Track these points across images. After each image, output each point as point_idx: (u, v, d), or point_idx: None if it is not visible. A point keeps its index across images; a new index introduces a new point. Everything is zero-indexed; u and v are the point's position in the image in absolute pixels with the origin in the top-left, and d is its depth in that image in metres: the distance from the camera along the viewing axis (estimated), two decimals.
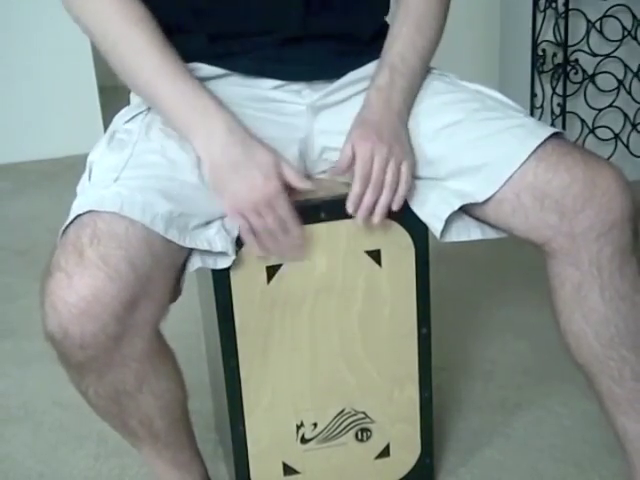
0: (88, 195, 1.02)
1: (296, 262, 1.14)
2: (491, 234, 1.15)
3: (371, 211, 1.11)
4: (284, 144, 1.13)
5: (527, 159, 1.06)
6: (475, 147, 1.10)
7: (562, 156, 1.06)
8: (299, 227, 1.09)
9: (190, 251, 1.06)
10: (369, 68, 1.19)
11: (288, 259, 1.13)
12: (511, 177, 1.06)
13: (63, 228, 1.00)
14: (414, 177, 1.14)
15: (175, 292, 1.08)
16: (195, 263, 1.06)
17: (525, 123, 1.11)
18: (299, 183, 1.08)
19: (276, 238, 1.08)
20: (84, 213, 0.98)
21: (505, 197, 1.08)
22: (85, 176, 1.09)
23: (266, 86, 1.19)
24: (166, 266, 1.01)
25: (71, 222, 0.99)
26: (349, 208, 1.10)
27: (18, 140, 3.24)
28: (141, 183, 1.02)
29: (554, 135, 1.08)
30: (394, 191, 1.10)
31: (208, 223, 1.07)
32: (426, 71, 1.21)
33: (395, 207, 1.11)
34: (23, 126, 3.23)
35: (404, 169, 1.11)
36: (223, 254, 1.08)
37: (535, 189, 1.05)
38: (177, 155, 1.08)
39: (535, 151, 1.06)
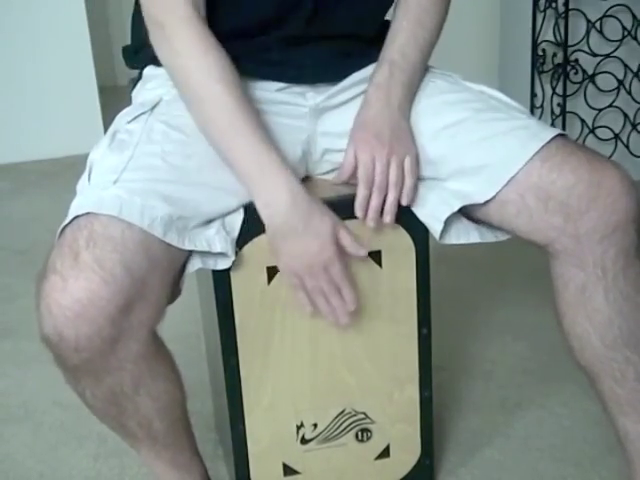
0: (87, 196, 1.02)
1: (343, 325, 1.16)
2: (489, 237, 1.15)
3: (380, 212, 1.11)
4: (287, 146, 1.13)
5: (531, 159, 1.05)
6: (477, 148, 1.10)
7: (566, 156, 1.05)
8: (352, 292, 1.11)
9: (190, 252, 1.05)
10: (371, 70, 1.19)
11: (337, 322, 1.13)
12: (515, 178, 1.06)
13: (61, 228, 1.00)
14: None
15: (175, 292, 1.08)
16: (195, 264, 1.06)
17: (528, 125, 1.10)
18: (355, 250, 1.09)
19: (328, 300, 1.10)
20: (82, 215, 0.98)
21: (509, 198, 1.07)
22: (85, 175, 1.09)
23: (270, 88, 1.18)
24: (163, 269, 1.01)
25: (69, 223, 0.99)
26: (357, 212, 1.11)
27: (18, 140, 3.24)
28: (141, 186, 1.02)
29: (558, 135, 1.08)
30: (400, 188, 1.11)
31: (208, 223, 1.07)
32: (425, 66, 1.20)
33: (405, 202, 1.12)
34: (23, 126, 3.23)
35: (407, 164, 1.11)
36: (223, 255, 1.07)
37: (539, 190, 1.05)
38: (178, 160, 1.08)
39: (539, 151, 1.06)
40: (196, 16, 1.07)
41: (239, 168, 1.06)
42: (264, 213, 1.06)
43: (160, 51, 1.09)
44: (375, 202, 1.11)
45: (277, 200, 1.04)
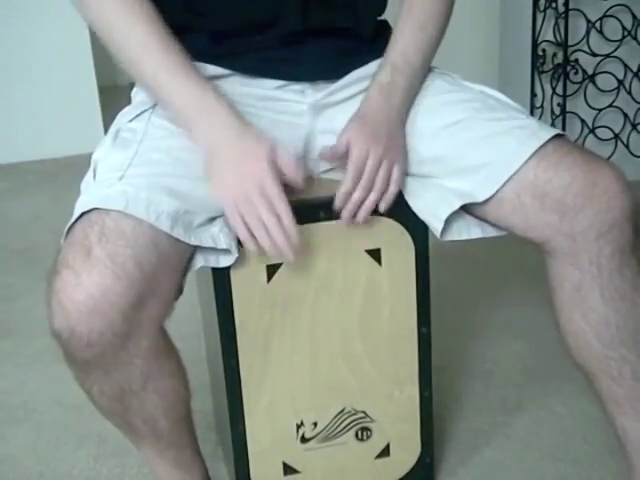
0: (93, 193, 1.02)
1: (293, 262, 1.13)
2: (491, 232, 1.15)
3: (356, 210, 1.11)
4: (286, 143, 1.13)
5: (528, 159, 1.06)
6: (476, 147, 1.11)
7: (563, 156, 1.06)
8: (292, 221, 1.04)
9: (193, 250, 1.06)
10: (371, 67, 1.19)
11: (284, 258, 1.09)
12: (511, 177, 1.07)
13: (68, 226, 1.00)
14: (415, 175, 1.14)
15: (176, 292, 1.08)
16: (198, 262, 1.06)
17: (527, 125, 1.11)
18: (293, 170, 1.06)
19: (270, 233, 1.04)
20: (89, 211, 0.99)
21: (505, 196, 1.08)
22: (90, 174, 1.09)
23: (268, 86, 1.19)
24: (172, 264, 1.02)
25: (77, 220, 1.00)
26: (337, 204, 1.10)
27: (18, 140, 3.24)
28: (146, 181, 1.02)
29: (556, 136, 1.08)
30: (383, 192, 1.11)
31: (212, 220, 1.07)
32: (427, 69, 1.21)
33: (382, 208, 1.12)
34: (23, 126, 3.23)
35: (396, 171, 1.11)
36: (226, 252, 1.08)
37: (535, 188, 1.06)
38: (182, 153, 1.08)
39: (536, 151, 1.06)
40: None
41: (172, 103, 1.07)
42: (202, 143, 1.06)
43: (84, 11, 1.10)
44: (356, 198, 1.10)
45: (213, 125, 1.05)
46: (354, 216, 1.11)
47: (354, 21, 1.20)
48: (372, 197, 1.11)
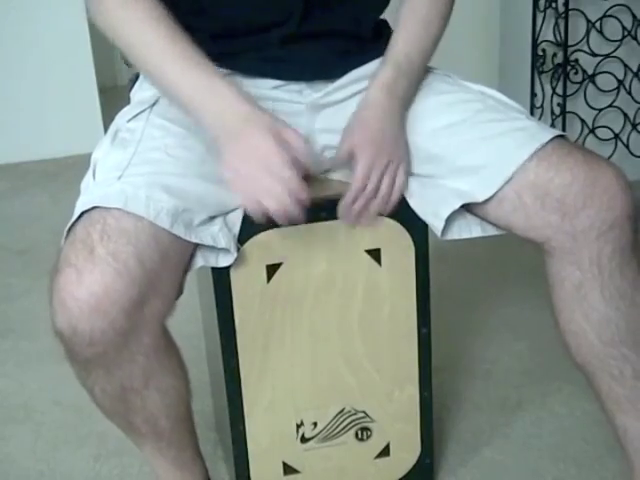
0: (92, 192, 1.02)
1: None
2: (492, 231, 1.15)
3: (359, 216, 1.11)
4: None
5: (527, 160, 1.06)
6: (476, 148, 1.11)
7: (563, 156, 1.06)
8: (303, 185, 1.02)
9: (193, 249, 1.06)
10: (370, 67, 1.19)
11: (292, 221, 1.03)
12: (511, 177, 1.07)
13: (69, 225, 1.01)
14: (415, 175, 1.15)
15: (178, 290, 1.08)
16: (198, 261, 1.06)
17: (527, 126, 1.11)
18: (298, 143, 1.04)
19: (279, 202, 1.01)
20: (90, 210, 0.99)
21: (506, 196, 1.08)
22: (89, 174, 1.10)
23: (267, 86, 1.19)
24: (173, 262, 1.02)
25: (78, 219, 1.00)
26: (340, 214, 1.11)
27: (18, 140, 3.24)
28: (145, 180, 1.02)
29: (556, 137, 1.08)
30: (386, 201, 1.11)
31: (212, 219, 1.07)
32: (425, 69, 1.21)
33: (385, 212, 1.13)
34: (23, 126, 3.23)
35: (399, 177, 1.12)
36: (225, 252, 1.08)
37: (536, 188, 1.06)
38: (180, 152, 1.08)
39: (535, 152, 1.06)
40: None
41: (180, 91, 1.07)
42: (212, 127, 1.05)
43: (95, 14, 1.12)
44: (358, 206, 1.10)
45: (219, 107, 1.04)
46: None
47: (354, 24, 1.20)
48: (375, 206, 1.11)
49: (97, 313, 0.94)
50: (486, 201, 1.09)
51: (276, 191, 1.01)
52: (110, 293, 0.94)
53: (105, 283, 0.94)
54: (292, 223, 1.03)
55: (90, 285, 0.94)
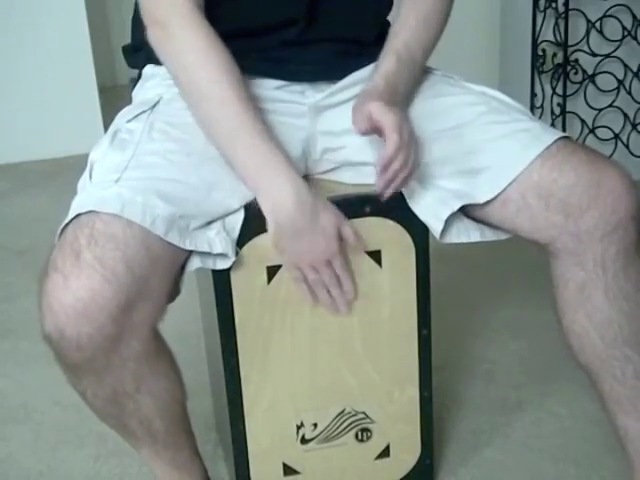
0: (89, 195, 1.02)
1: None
2: (490, 236, 1.15)
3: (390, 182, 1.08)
4: (286, 144, 1.13)
5: (531, 162, 1.06)
6: (478, 150, 1.10)
7: (567, 156, 1.06)
8: (351, 283, 1.14)
9: (190, 251, 1.05)
10: (371, 69, 1.19)
11: (337, 311, 1.17)
12: (515, 178, 1.06)
13: (62, 226, 1.00)
14: (417, 176, 1.14)
15: (174, 292, 1.08)
16: (194, 263, 1.06)
17: (530, 127, 1.10)
18: (358, 245, 1.12)
19: (329, 291, 1.13)
20: (84, 213, 0.98)
21: (510, 197, 1.07)
22: (86, 174, 1.09)
23: (269, 86, 1.18)
24: (164, 267, 1.01)
25: (70, 221, 0.99)
26: (379, 167, 1.06)
27: (18, 140, 3.23)
28: (142, 184, 1.02)
29: (560, 138, 1.08)
30: (412, 170, 1.08)
31: (209, 224, 1.07)
32: (427, 70, 1.21)
33: (406, 190, 1.12)
34: (23, 126, 3.23)
35: (412, 155, 1.08)
36: (223, 255, 1.07)
37: (540, 188, 1.05)
38: (179, 157, 1.08)
39: (540, 153, 1.06)
40: (197, 13, 1.06)
41: (243, 169, 1.06)
42: (270, 214, 1.06)
43: (161, 50, 1.09)
44: (397, 166, 1.05)
45: (283, 200, 1.04)
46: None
47: (358, 29, 1.20)
48: (402, 175, 1.07)
49: (84, 318, 0.94)
50: (489, 203, 1.09)
51: (334, 293, 1.15)
52: (97, 299, 0.94)
53: (92, 289, 0.94)
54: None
55: (76, 290, 0.93)
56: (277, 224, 1.06)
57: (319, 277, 1.11)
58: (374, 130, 1.07)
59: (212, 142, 1.08)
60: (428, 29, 1.18)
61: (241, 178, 1.07)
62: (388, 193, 1.09)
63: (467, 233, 1.14)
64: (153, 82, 1.20)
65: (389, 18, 1.25)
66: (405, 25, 1.18)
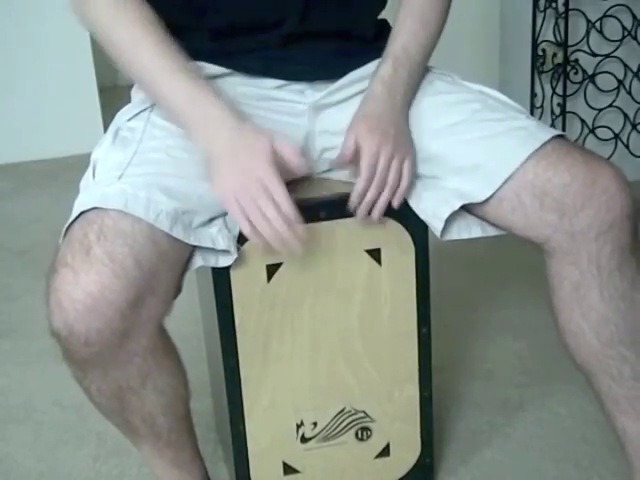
0: (92, 192, 1.02)
1: (296, 259, 1.12)
2: (491, 231, 1.15)
3: (370, 209, 1.11)
4: None
5: (526, 159, 1.06)
6: (475, 147, 1.11)
7: (562, 155, 1.06)
8: (297, 214, 1.02)
9: (192, 249, 1.06)
10: (371, 67, 1.19)
11: (289, 252, 1.06)
12: (511, 176, 1.06)
13: (67, 225, 1.00)
14: (416, 175, 1.14)
15: (175, 290, 1.08)
16: (197, 261, 1.06)
17: (527, 125, 1.11)
18: (294, 158, 1.04)
19: (272, 223, 1.02)
20: (88, 210, 0.99)
21: (505, 196, 1.08)
22: (89, 173, 1.09)
23: (268, 85, 1.19)
24: (171, 263, 1.02)
25: (75, 219, 1.00)
26: (352, 204, 1.10)
27: (18, 140, 3.24)
28: (145, 180, 1.02)
29: (556, 136, 1.08)
30: (395, 189, 1.11)
31: (211, 221, 1.07)
32: (426, 66, 1.21)
33: (395, 204, 1.12)
34: (23, 126, 3.23)
35: (406, 166, 1.11)
36: (225, 252, 1.08)
37: (535, 187, 1.06)
38: (181, 153, 1.08)
39: (535, 151, 1.06)
40: None
41: (170, 105, 1.07)
42: (203, 145, 1.06)
43: (81, 15, 1.11)
44: (370, 197, 1.10)
45: (211, 127, 1.04)
46: (369, 213, 1.11)
47: (353, 23, 1.20)
48: (385, 195, 1.10)
49: (93, 313, 0.94)
50: (485, 201, 1.09)
51: (274, 219, 1.01)
52: (106, 294, 0.94)
53: (101, 283, 0.94)
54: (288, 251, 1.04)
55: (86, 285, 0.94)
56: (210, 151, 1.05)
57: (255, 204, 1.01)
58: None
59: (143, 89, 1.11)
60: (426, 28, 1.18)
61: (172, 117, 1.08)
62: (373, 219, 1.11)
63: (468, 229, 1.14)
64: None
65: (389, 20, 1.25)
66: (402, 27, 1.18)
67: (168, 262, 1.01)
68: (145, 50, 1.07)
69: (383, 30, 1.24)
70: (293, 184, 1.11)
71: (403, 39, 1.17)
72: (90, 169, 1.10)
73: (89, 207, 0.99)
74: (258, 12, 1.15)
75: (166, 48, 1.07)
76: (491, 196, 1.08)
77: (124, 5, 1.08)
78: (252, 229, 1.03)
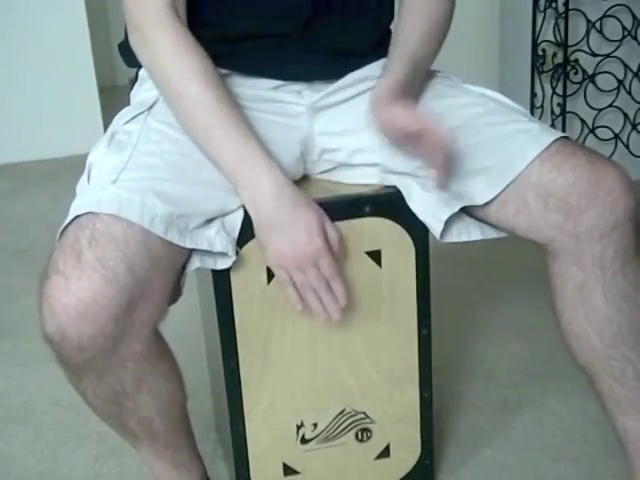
0: (87, 196, 1.02)
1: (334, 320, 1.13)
2: (491, 234, 1.15)
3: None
4: (285, 145, 1.13)
5: (530, 163, 1.06)
6: (477, 151, 1.10)
7: (566, 156, 1.05)
8: (343, 288, 1.08)
9: (190, 251, 1.06)
10: (370, 69, 1.19)
11: (329, 319, 1.11)
12: (514, 179, 1.06)
13: (61, 229, 1.00)
14: (415, 177, 1.14)
15: (175, 293, 1.08)
16: (194, 263, 1.06)
17: (529, 128, 1.10)
18: (338, 245, 1.08)
19: (318, 295, 1.08)
20: (82, 214, 0.98)
21: (509, 197, 1.07)
22: (84, 177, 1.09)
23: (266, 86, 1.18)
24: (165, 268, 1.01)
25: (69, 223, 0.99)
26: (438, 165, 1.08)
27: (18, 140, 3.24)
28: (140, 185, 1.02)
29: (559, 138, 1.08)
30: None
31: (209, 222, 1.07)
32: (428, 73, 1.21)
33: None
34: (23, 126, 3.23)
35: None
36: (223, 255, 1.07)
37: (539, 188, 1.05)
38: (176, 159, 1.08)
39: (539, 154, 1.06)
40: (172, 16, 1.07)
41: (221, 163, 1.07)
42: (250, 207, 1.06)
43: (140, 54, 1.10)
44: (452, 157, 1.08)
45: (261, 193, 1.04)
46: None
47: (356, 42, 1.20)
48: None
49: (85, 319, 0.94)
50: (487, 203, 1.08)
51: (328, 305, 1.09)
52: (98, 299, 0.94)
53: (93, 289, 0.94)
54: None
55: (78, 292, 0.94)
56: (258, 218, 1.05)
57: (306, 279, 1.07)
58: (404, 138, 1.08)
59: (193, 141, 1.09)
60: (433, 41, 1.19)
61: (223, 174, 1.07)
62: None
63: (468, 232, 1.14)
64: (150, 84, 1.20)
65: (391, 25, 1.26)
66: (414, 35, 1.17)
67: (162, 267, 1.00)
68: (201, 101, 1.05)
69: (383, 35, 1.24)
70: None
71: (415, 46, 1.16)
72: (85, 173, 1.09)
73: (83, 211, 0.98)
74: (260, 27, 1.14)
75: (223, 103, 1.06)
76: (494, 199, 1.08)
77: (186, 50, 1.06)
78: (298, 297, 1.09)
